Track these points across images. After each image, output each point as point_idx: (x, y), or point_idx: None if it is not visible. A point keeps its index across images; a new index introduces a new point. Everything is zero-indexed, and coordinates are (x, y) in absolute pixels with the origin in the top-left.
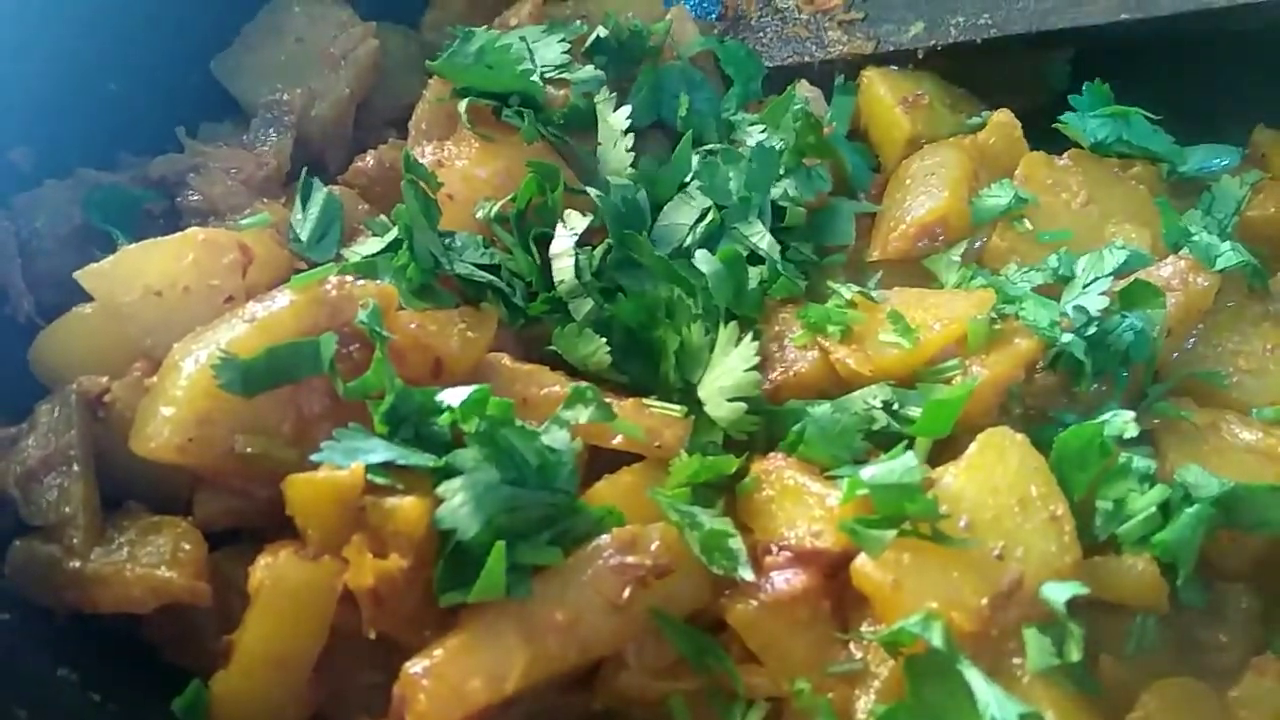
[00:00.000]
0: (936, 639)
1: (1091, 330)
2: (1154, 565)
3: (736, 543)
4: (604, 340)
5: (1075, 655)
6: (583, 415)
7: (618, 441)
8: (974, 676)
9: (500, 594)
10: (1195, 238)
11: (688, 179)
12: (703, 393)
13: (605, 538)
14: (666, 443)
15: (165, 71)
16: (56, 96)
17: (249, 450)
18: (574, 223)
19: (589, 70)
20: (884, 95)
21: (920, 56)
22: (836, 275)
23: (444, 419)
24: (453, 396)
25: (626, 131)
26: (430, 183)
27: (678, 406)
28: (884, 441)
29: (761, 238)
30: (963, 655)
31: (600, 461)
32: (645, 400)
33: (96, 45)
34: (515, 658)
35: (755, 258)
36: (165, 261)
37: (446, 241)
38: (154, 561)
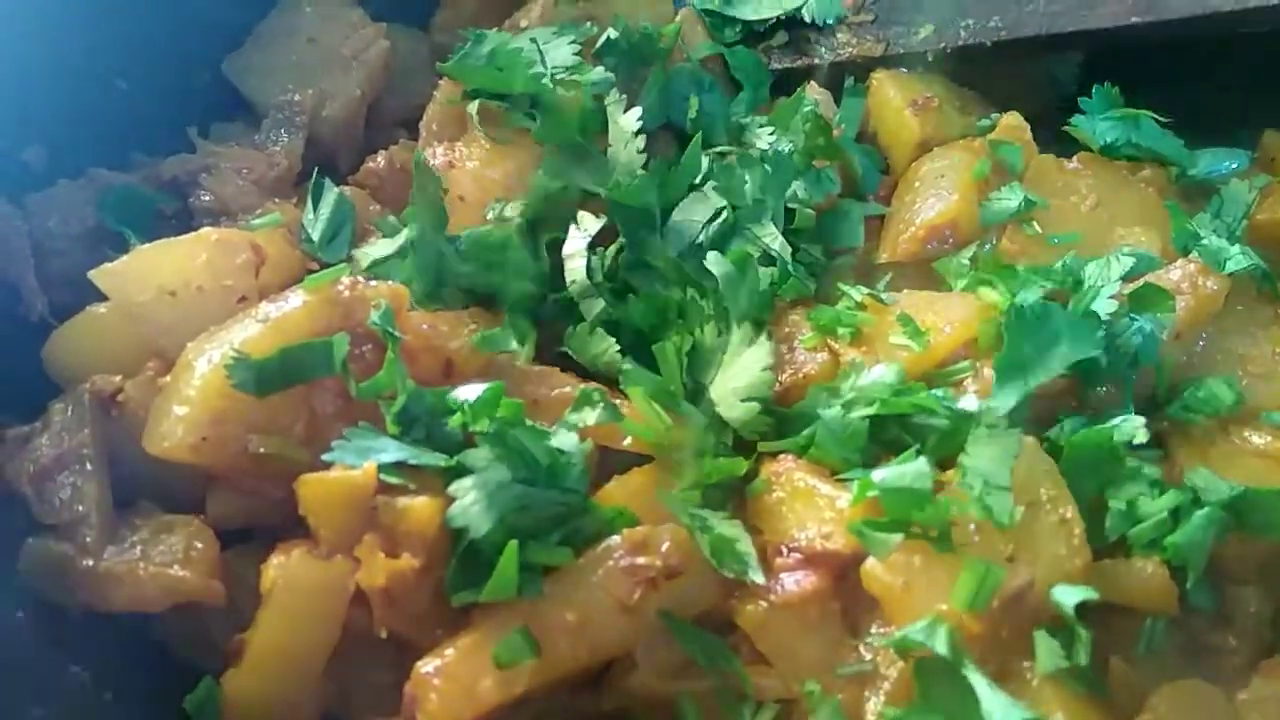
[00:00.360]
0: (940, 646)
1: (1100, 333)
2: (1164, 568)
3: (746, 545)
4: (614, 340)
5: (1084, 658)
6: (590, 417)
7: (628, 443)
8: (979, 681)
9: (512, 594)
10: (1204, 241)
11: (698, 180)
12: (715, 393)
13: (616, 538)
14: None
15: (177, 72)
16: (69, 97)
17: (262, 450)
18: (586, 224)
19: (599, 72)
20: (893, 97)
21: (930, 59)
22: (846, 277)
23: (455, 419)
24: (465, 395)
25: (637, 133)
26: (441, 184)
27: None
28: (894, 444)
29: (774, 239)
30: (968, 660)
31: (612, 462)
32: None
33: (109, 46)
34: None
35: (766, 259)
36: (179, 261)
37: (457, 243)
38: (167, 560)
